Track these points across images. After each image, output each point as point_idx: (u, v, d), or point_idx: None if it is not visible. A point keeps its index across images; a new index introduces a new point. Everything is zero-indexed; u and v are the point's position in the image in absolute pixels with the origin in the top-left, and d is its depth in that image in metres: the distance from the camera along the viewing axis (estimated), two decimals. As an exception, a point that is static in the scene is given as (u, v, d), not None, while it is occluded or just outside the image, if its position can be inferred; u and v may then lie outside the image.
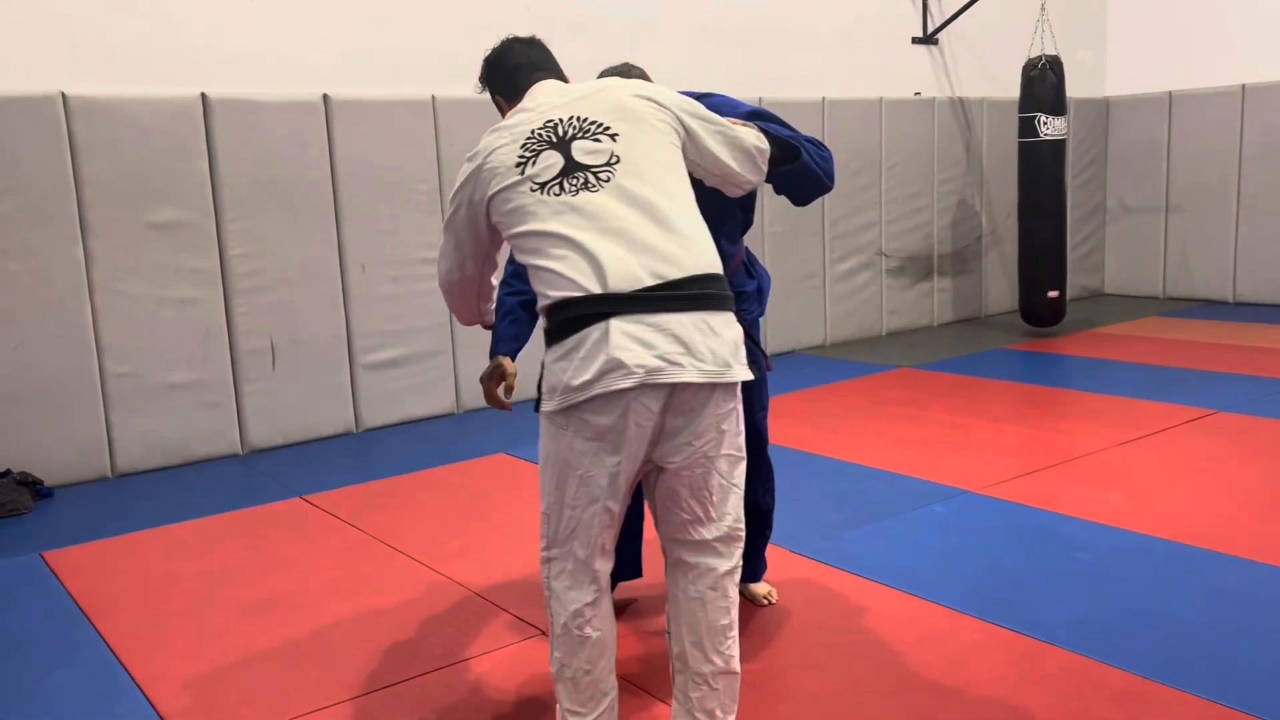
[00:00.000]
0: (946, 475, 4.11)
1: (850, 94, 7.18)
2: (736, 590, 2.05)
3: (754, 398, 2.61)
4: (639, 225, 1.90)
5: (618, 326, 1.82)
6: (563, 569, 1.99)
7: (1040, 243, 7.12)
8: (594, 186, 1.94)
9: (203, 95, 4.77)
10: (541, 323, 1.98)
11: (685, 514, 1.99)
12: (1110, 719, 2.30)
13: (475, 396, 5.69)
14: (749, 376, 1.95)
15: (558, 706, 2.06)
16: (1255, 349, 6.35)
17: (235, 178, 4.86)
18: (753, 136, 2.23)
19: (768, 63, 6.91)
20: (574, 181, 1.94)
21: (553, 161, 1.97)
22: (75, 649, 2.93)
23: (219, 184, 4.83)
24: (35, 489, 4.38)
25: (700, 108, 2.16)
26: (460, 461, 4.69)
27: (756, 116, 2.43)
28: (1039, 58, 6.91)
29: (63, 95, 4.45)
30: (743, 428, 2.02)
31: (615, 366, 1.82)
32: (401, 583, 3.30)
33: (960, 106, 7.81)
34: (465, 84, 5.70)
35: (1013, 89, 7.54)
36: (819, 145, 2.49)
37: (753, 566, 2.87)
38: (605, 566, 2.02)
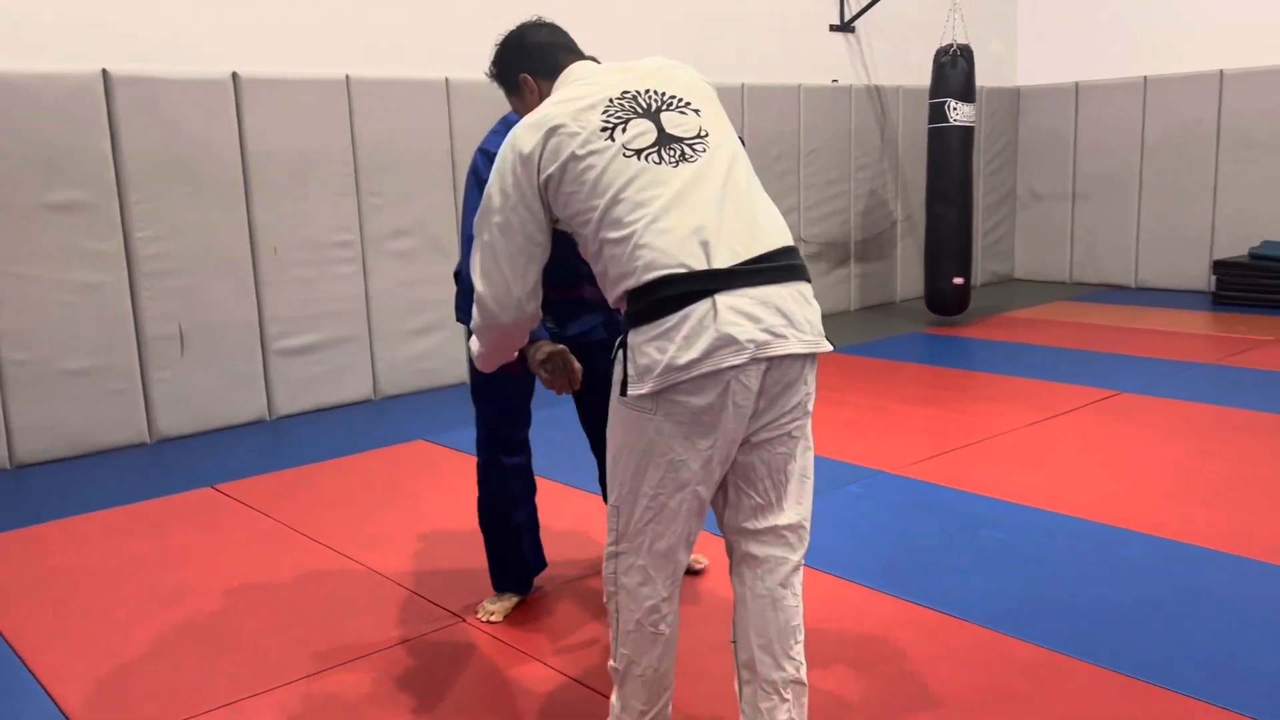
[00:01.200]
0: (863, 457, 4.18)
1: (769, 80, 7.23)
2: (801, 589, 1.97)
3: None
4: (731, 200, 1.84)
5: (724, 302, 1.75)
6: (633, 564, 1.90)
7: (946, 229, 7.22)
8: (691, 158, 1.86)
9: (104, 72, 4.59)
10: (621, 303, 1.87)
11: (759, 498, 1.91)
12: (1020, 691, 2.37)
13: (392, 383, 5.61)
14: (828, 348, 1.89)
15: (615, 703, 1.99)
16: (1156, 332, 6.59)
17: (139, 158, 4.69)
18: None
19: (688, 48, 6.90)
20: (671, 152, 1.86)
21: (645, 129, 1.88)
22: (-29, 647, 2.82)
23: (122, 164, 4.66)
24: (-73, 482, 4.19)
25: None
26: (378, 449, 4.61)
27: None
28: (950, 45, 7.04)
29: (-48, 69, 4.25)
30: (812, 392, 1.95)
31: (726, 343, 1.74)
32: (318, 572, 3.24)
33: (876, 94, 7.93)
34: (380, 64, 5.62)
35: (927, 78, 7.68)
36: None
37: None
38: (686, 558, 1.93)
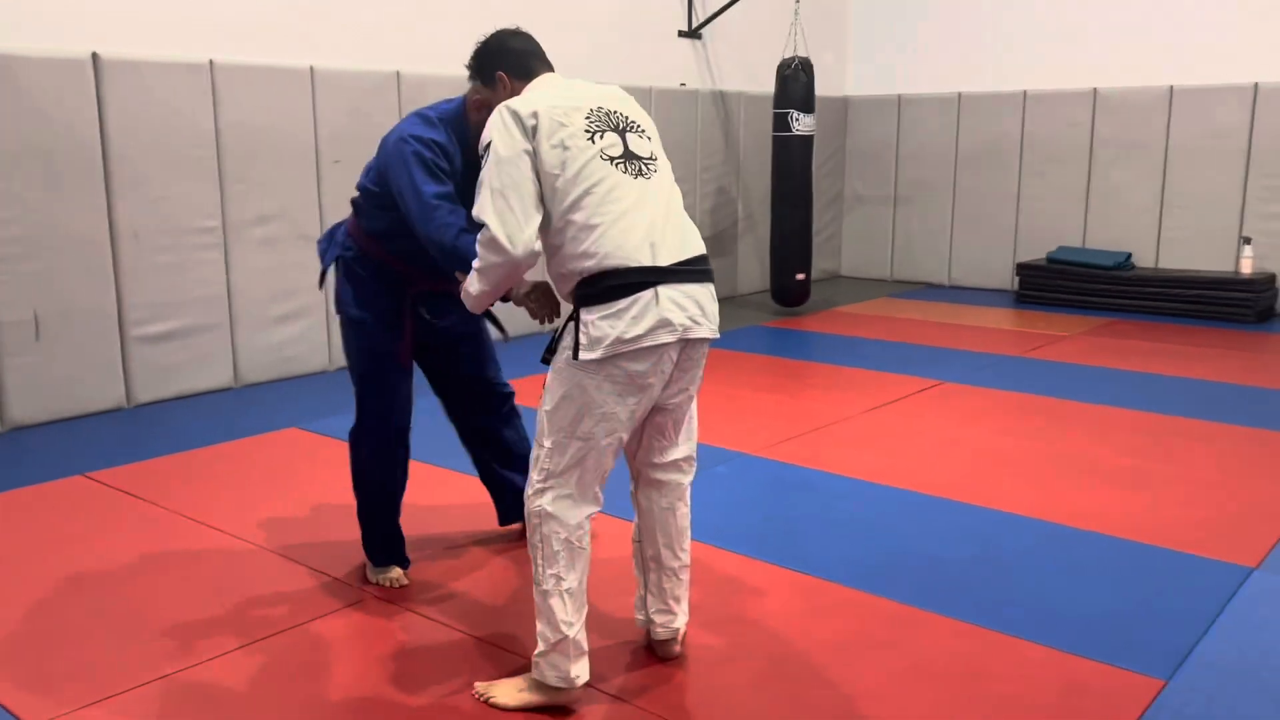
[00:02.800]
0: (723, 440, 4.53)
1: (621, 81, 7.50)
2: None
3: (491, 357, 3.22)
4: (671, 215, 2.32)
5: (664, 293, 2.22)
6: (562, 494, 2.33)
7: (789, 229, 7.76)
8: (646, 174, 2.31)
9: (-45, 46, 4.42)
10: (569, 284, 2.29)
11: (666, 440, 2.50)
12: (886, 638, 2.75)
13: (254, 371, 5.60)
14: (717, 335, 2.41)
15: (544, 628, 2.35)
16: (968, 328, 7.28)
17: (-7, 136, 4.54)
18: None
19: (547, 43, 7.10)
20: (633, 166, 2.29)
21: (615, 142, 2.30)
22: None
23: (-26, 142, 4.50)
24: None
25: None
26: (250, 436, 4.64)
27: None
28: (793, 58, 7.52)
29: None
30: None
31: (664, 324, 2.23)
32: (213, 555, 3.31)
33: (721, 99, 8.35)
34: (245, 50, 5.56)
35: (768, 84, 8.16)
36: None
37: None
38: (602, 489, 2.41)
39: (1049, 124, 8.56)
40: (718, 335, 2.40)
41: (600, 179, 2.25)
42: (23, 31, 4.69)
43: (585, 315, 2.24)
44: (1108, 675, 2.55)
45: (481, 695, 2.42)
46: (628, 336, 2.21)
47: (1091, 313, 7.87)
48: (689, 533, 2.61)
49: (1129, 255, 8.14)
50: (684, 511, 2.59)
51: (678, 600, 2.59)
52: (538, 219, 2.26)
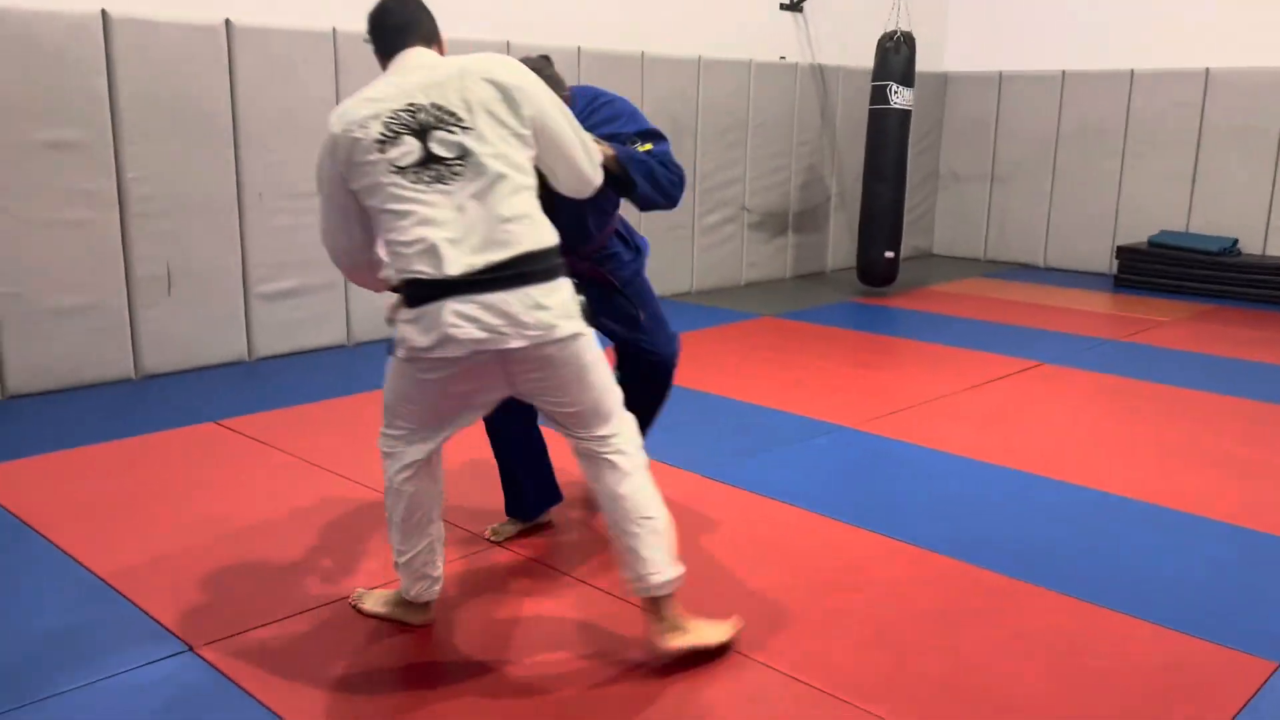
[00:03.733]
0: (822, 413, 4.61)
1: (722, 55, 7.56)
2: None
3: (638, 331, 3.19)
4: (477, 217, 2.21)
5: (450, 307, 2.18)
6: (388, 444, 2.51)
7: (880, 206, 7.71)
8: (446, 180, 2.21)
9: (103, 11, 4.67)
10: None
11: (564, 424, 2.45)
12: (987, 608, 2.82)
13: (366, 329, 5.83)
14: (576, 330, 2.30)
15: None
16: (1066, 310, 7.21)
17: (134, 99, 4.80)
18: (588, 161, 2.45)
19: (646, 17, 7.20)
20: (429, 174, 2.21)
21: (411, 148, 2.20)
22: (36, 557, 3.02)
23: (117, 105, 4.75)
24: (-75, 409, 4.29)
25: (557, 110, 2.36)
26: (366, 392, 4.86)
27: (647, 136, 2.89)
28: (894, 31, 7.48)
29: (-43, 3, 4.29)
30: (587, 363, 2.37)
31: (446, 340, 2.21)
32: (349, 502, 3.51)
33: (819, 73, 8.34)
34: (365, 19, 5.74)
35: (865, 59, 8.13)
36: (670, 168, 2.88)
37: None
38: (433, 442, 2.49)
39: (1156, 104, 8.37)
40: (553, 336, 2.25)
41: (389, 193, 2.22)
42: (162, -1, 4.93)
43: (399, 315, 2.30)
44: (1215, 654, 2.59)
45: (354, 601, 2.75)
46: (419, 346, 2.25)
47: (1194, 299, 7.72)
48: (636, 501, 2.44)
49: (1235, 241, 7.95)
50: (616, 482, 2.44)
51: (642, 558, 2.44)
52: (340, 225, 2.41)
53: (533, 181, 2.32)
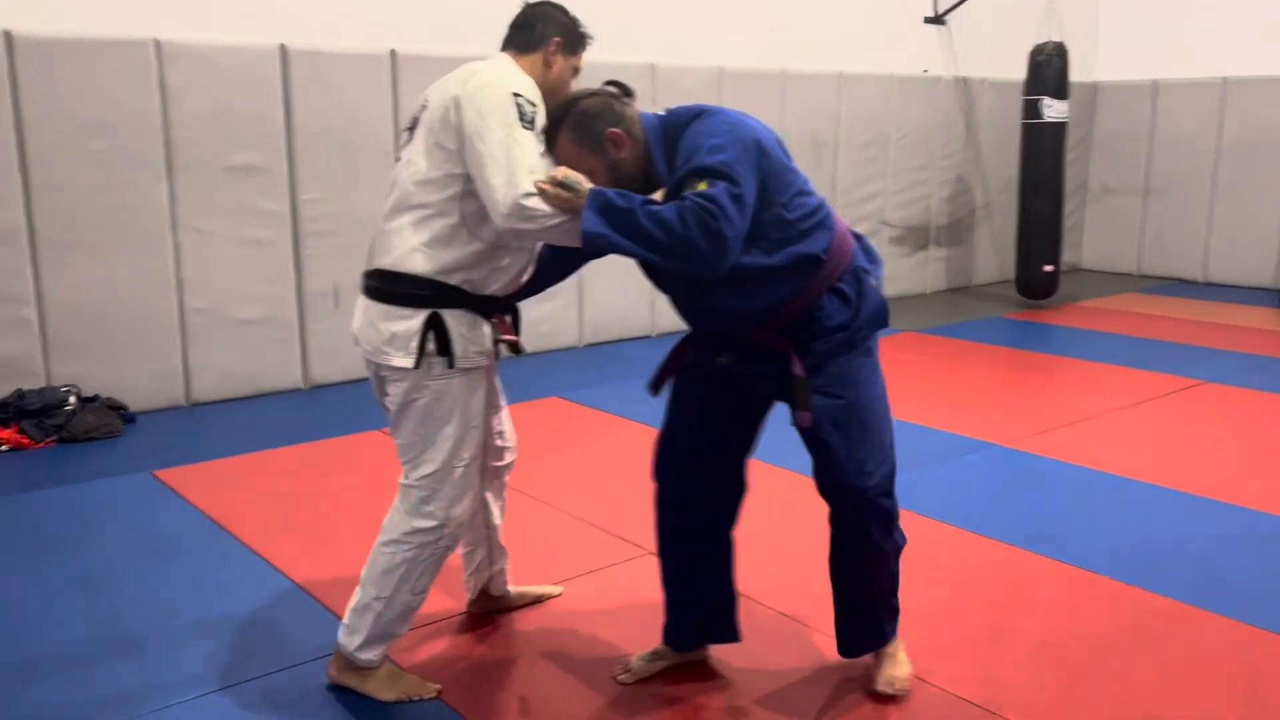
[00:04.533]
0: (972, 430, 4.54)
1: (864, 69, 7.52)
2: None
3: (818, 434, 2.26)
4: (388, 215, 2.31)
5: (359, 300, 2.38)
6: None
7: (1038, 219, 7.57)
8: (393, 181, 2.34)
9: (281, 46, 4.99)
10: None
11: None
12: (1160, 633, 2.75)
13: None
14: (401, 365, 2.23)
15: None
16: (1229, 326, 6.89)
17: (308, 126, 5.10)
18: (503, 189, 2.08)
19: (789, 35, 7.23)
20: (394, 173, 2.34)
21: (404, 143, 2.38)
22: (226, 553, 3.25)
23: (293, 131, 5.06)
24: (121, 414, 4.64)
25: (487, 124, 2.11)
26: (518, 403, 5.01)
27: (703, 174, 2.02)
28: (1047, 43, 7.31)
29: (155, 41, 4.65)
30: (406, 403, 2.31)
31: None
32: (510, 508, 3.64)
33: (964, 86, 8.20)
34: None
35: (1010, 70, 7.96)
36: (688, 223, 1.97)
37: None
38: None
39: (1329, 111, 7.93)
40: (378, 360, 2.27)
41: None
42: (332, 31, 5.23)
43: None
44: None
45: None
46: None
47: (1371, 315, 7.27)
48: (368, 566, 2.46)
49: None
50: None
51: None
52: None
53: (435, 198, 2.20)
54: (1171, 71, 8.82)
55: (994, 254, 8.73)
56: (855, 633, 2.47)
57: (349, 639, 2.43)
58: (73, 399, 4.47)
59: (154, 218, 4.73)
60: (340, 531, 3.43)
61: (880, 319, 2.30)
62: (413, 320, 2.22)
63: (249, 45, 4.90)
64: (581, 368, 5.71)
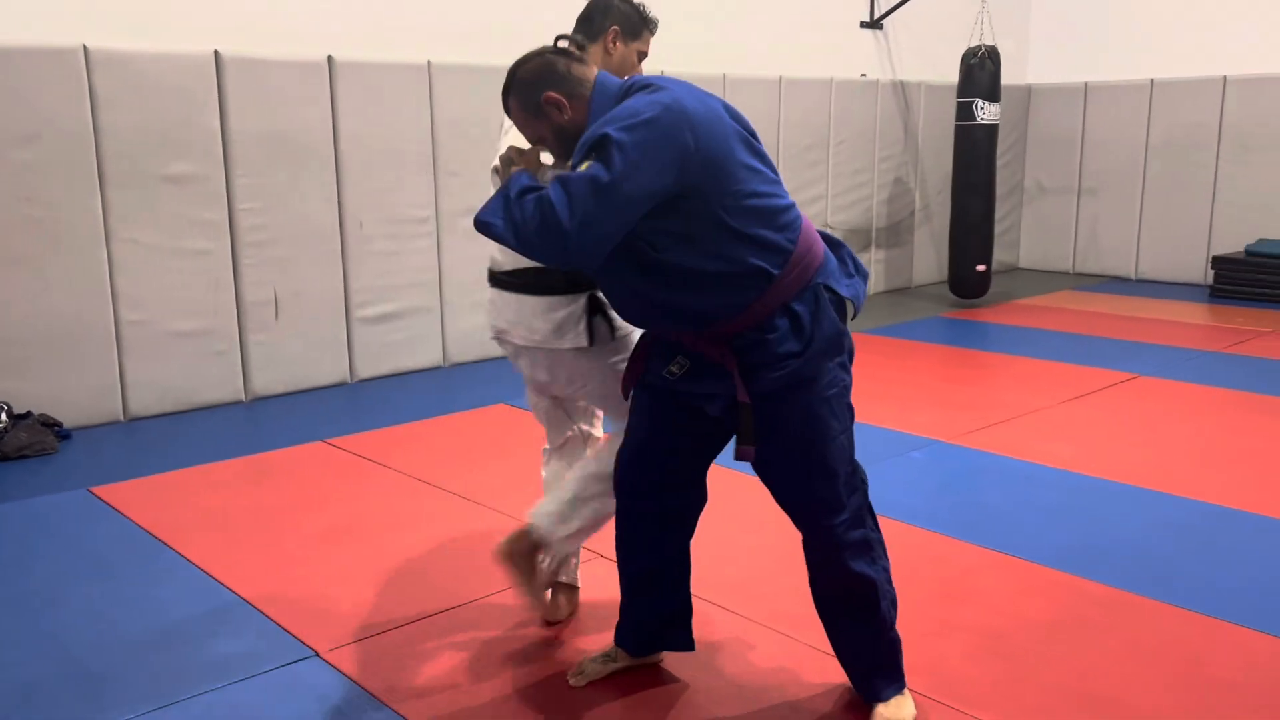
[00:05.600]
0: (916, 428, 4.60)
1: (803, 74, 7.61)
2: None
3: (798, 494, 2.21)
4: None
5: (491, 296, 2.58)
6: None
7: (971, 220, 7.71)
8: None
9: (215, 53, 4.91)
10: None
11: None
12: (1100, 620, 2.80)
13: (461, 351, 5.98)
14: (564, 346, 2.45)
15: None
16: (1161, 321, 7.07)
17: (244, 135, 5.02)
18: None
19: (728, 40, 7.29)
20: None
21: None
22: (169, 568, 3.19)
23: (229, 140, 4.99)
24: (56, 431, 4.52)
25: None
26: (464, 411, 4.99)
27: (588, 149, 1.92)
28: (979, 47, 7.45)
29: (84, 48, 4.55)
30: (590, 375, 2.51)
31: (492, 325, 2.60)
32: (455, 516, 3.62)
33: (901, 89, 8.33)
34: (458, 50, 5.94)
35: (947, 74, 8.10)
36: (547, 206, 1.87)
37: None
38: (554, 434, 2.82)
39: (1250, 110, 8.18)
40: (549, 346, 2.44)
41: None
42: (263, 37, 5.17)
43: None
44: (1338, 666, 2.54)
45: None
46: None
47: (1295, 308, 7.51)
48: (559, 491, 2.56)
49: (1339, 248, 7.72)
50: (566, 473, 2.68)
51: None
52: None
53: None
54: (1101, 74, 9.04)
55: (933, 254, 8.87)
56: (864, 675, 2.33)
57: (560, 526, 2.48)
58: (4, 416, 4.35)
59: (87, 229, 4.63)
60: (284, 544, 3.38)
61: (834, 347, 2.10)
62: (574, 305, 2.41)
63: (182, 53, 4.81)
64: (528, 374, 5.68)
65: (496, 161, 2.36)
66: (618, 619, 2.55)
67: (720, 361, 2.10)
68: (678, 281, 2.02)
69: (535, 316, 2.42)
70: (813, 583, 2.32)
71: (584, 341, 2.40)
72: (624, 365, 2.43)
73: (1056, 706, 2.39)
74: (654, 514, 2.38)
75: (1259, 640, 2.68)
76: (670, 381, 2.21)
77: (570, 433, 2.79)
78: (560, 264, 1.99)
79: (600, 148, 1.89)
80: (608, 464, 2.46)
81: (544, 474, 2.84)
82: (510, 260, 2.43)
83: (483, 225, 2.02)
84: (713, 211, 1.98)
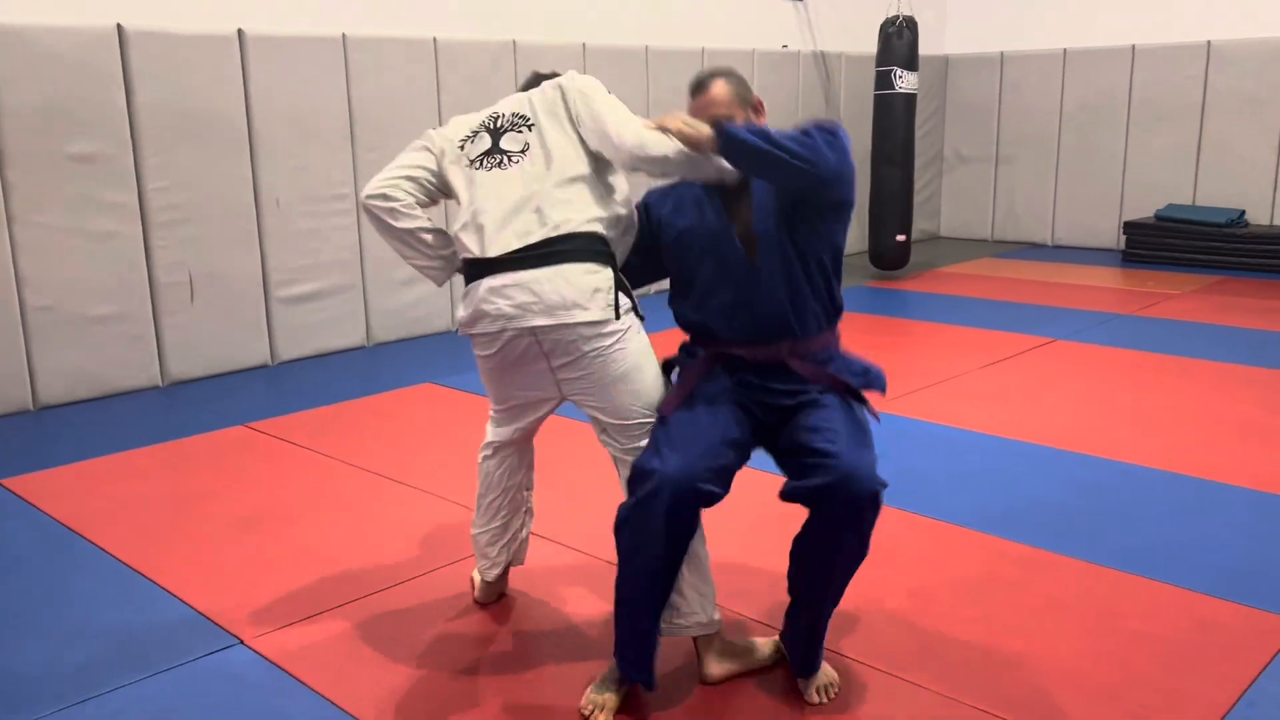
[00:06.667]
0: (841, 395, 4.66)
1: (725, 45, 7.61)
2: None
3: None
4: (526, 201, 2.31)
5: (486, 284, 2.27)
6: (489, 422, 2.63)
7: (889, 190, 7.80)
8: (505, 165, 2.36)
9: (119, 26, 4.73)
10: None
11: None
12: (1020, 578, 2.88)
13: (385, 330, 5.90)
14: (599, 316, 2.25)
15: None
16: (1076, 286, 7.26)
17: (152, 111, 4.86)
18: (630, 133, 2.30)
19: (651, 11, 7.25)
20: (491, 160, 2.38)
21: (483, 145, 2.41)
22: (84, 561, 3.10)
23: (136, 117, 4.82)
24: (-40, 422, 4.36)
25: (591, 96, 2.40)
26: (389, 390, 4.93)
27: (832, 128, 2.25)
28: (897, 16, 7.52)
29: (-23, 21, 4.36)
30: (629, 352, 2.31)
31: (480, 316, 2.30)
32: (381, 497, 3.58)
33: (822, 60, 8.38)
34: (374, 23, 5.81)
35: (867, 44, 8.16)
36: (811, 134, 2.21)
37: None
38: (515, 434, 2.61)
39: (1159, 79, 8.40)
40: (570, 319, 2.23)
41: (461, 182, 2.39)
42: (169, 9, 4.99)
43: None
44: (1241, 614, 2.65)
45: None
46: (463, 320, 2.36)
47: (1202, 271, 7.76)
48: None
49: (1242, 212, 7.99)
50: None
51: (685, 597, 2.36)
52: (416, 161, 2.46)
53: (586, 168, 2.36)
54: (1017, 44, 9.20)
55: (855, 225, 8.96)
56: (815, 646, 2.36)
57: (712, 613, 2.39)
58: (-96, 409, 4.18)
59: (-14, 212, 4.45)
60: (205, 531, 3.31)
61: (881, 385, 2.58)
62: (606, 273, 2.30)
63: (83, 26, 4.63)
64: (456, 353, 5.64)
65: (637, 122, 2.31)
66: (626, 653, 2.29)
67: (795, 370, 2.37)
68: (818, 289, 2.40)
69: (568, 284, 2.23)
70: (821, 554, 2.31)
71: (611, 313, 2.27)
72: (645, 346, 2.37)
73: (980, 663, 2.45)
74: (699, 503, 2.20)
75: (1167, 591, 2.78)
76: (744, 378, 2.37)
77: (517, 435, 2.61)
78: (834, 176, 2.21)
79: (833, 131, 2.24)
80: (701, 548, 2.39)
81: (484, 469, 2.67)
82: (529, 234, 2.26)
83: (732, 138, 2.15)
84: (840, 243, 2.41)
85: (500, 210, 2.30)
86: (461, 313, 2.35)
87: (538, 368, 2.35)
